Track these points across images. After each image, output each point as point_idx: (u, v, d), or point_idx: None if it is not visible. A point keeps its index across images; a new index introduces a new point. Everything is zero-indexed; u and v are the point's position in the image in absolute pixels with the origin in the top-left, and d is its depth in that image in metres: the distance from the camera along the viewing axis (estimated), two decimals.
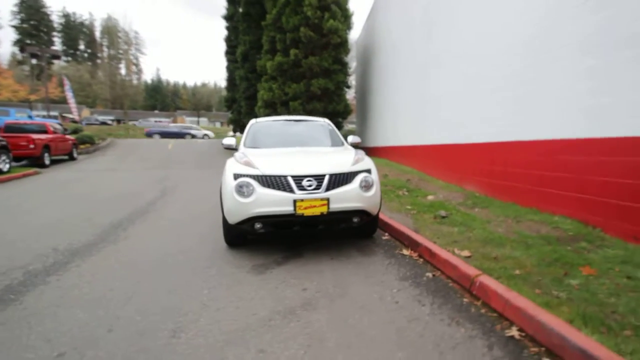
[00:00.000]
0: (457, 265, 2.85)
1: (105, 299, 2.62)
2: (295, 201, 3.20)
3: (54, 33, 56.76)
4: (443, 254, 3.14)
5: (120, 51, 53.97)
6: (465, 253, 3.22)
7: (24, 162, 11.15)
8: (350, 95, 17.45)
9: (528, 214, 4.36)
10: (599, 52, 3.75)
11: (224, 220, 3.58)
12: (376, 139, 12.76)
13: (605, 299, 2.32)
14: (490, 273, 2.72)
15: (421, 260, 3.39)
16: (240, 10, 18.36)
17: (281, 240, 3.97)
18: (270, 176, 3.31)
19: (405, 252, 3.62)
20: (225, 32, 24.04)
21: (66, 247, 3.85)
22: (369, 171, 3.63)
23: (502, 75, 5.43)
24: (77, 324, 2.28)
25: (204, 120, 59.95)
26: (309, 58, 12.40)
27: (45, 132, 12.31)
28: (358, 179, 3.47)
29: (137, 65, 57.43)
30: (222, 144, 4.66)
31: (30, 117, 19.55)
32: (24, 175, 9.51)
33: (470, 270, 2.74)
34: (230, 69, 23.58)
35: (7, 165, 9.55)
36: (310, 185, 3.27)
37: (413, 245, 3.63)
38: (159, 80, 74.82)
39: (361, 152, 3.96)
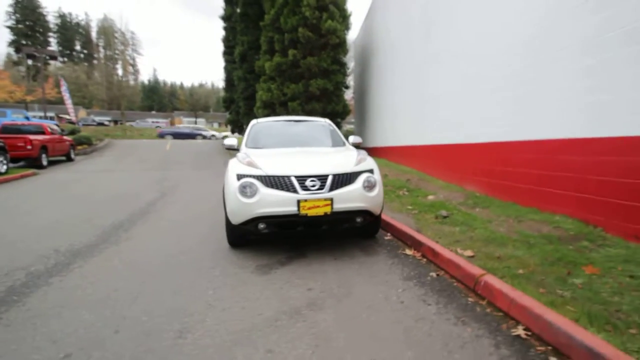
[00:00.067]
0: (461, 265, 2.86)
1: (110, 300, 2.61)
2: (299, 201, 3.20)
3: (50, 34, 56.34)
4: (446, 253, 3.15)
5: (117, 52, 53.82)
6: (468, 253, 3.24)
7: (21, 163, 11.08)
8: (348, 95, 17.47)
9: (529, 214, 4.38)
10: (598, 52, 3.77)
11: (227, 220, 3.57)
12: (375, 139, 12.78)
13: (609, 298, 2.33)
14: (494, 272, 2.73)
15: (424, 260, 3.40)
16: (238, 10, 18.35)
17: (284, 241, 3.97)
18: (273, 176, 3.31)
19: (408, 251, 3.63)
20: (223, 33, 23.99)
21: (67, 248, 3.83)
22: (371, 171, 3.64)
23: (502, 75, 5.45)
24: (83, 325, 2.27)
25: (201, 121, 59.81)
26: (307, 58, 12.40)
27: (43, 133, 12.25)
28: (361, 179, 3.48)
29: (133, 65, 57.29)
30: (224, 145, 4.67)
31: (27, 118, 19.43)
32: (22, 177, 9.45)
33: (474, 269, 2.75)
34: (228, 70, 23.55)
35: (5, 167, 9.49)
36: (313, 186, 3.27)
37: (416, 245, 3.64)
38: (156, 81, 74.67)
39: (363, 152, 3.97)
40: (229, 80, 23.70)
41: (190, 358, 1.91)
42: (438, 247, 3.31)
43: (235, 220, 3.40)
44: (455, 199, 5.59)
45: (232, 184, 3.38)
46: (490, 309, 2.40)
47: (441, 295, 2.63)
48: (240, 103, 19.26)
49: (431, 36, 7.95)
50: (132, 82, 57.67)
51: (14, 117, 18.31)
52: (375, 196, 3.50)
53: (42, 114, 23.97)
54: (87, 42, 61.30)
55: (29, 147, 10.80)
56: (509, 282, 2.57)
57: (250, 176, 3.34)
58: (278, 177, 3.30)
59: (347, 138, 4.90)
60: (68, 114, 28.78)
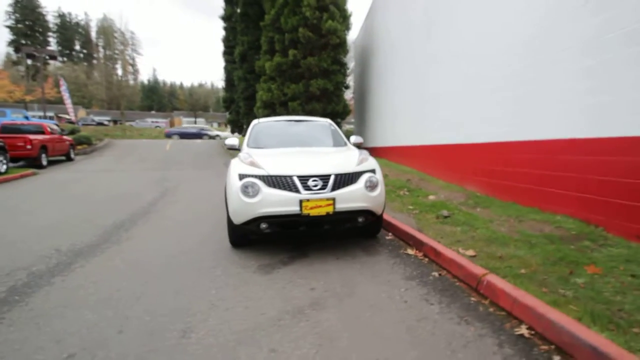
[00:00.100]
0: (464, 265, 2.87)
1: (112, 300, 2.61)
2: (301, 201, 3.20)
3: (50, 33, 56.27)
4: (448, 253, 3.15)
5: (116, 51, 53.77)
6: (470, 252, 3.24)
7: (21, 163, 11.06)
8: (348, 95, 17.48)
9: (530, 214, 4.38)
10: (599, 53, 3.78)
11: (229, 220, 3.57)
12: (375, 139, 12.78)
13: (612, 297, 2.34)
14: (496, 272, 2.73)
15: (426, 259, 3.40)
16: (238, 10, 18.37)
17: (286, 241, 3.97)
18: (276, 176, 3.31)
19: (410, 251, 3.63)
20: (223, 33, 24.01)
21: (69, 248, 3.83)
22: (373, 171, 3.64)
23: (502, 75, 5.46)
24: (86, 325, 2.26)
25: (201, 121, 59.76)
26: (307, 58, 12.41)
27: (43, 132, 12.24)
28: (363, 179, 3.48)
29: (133, 65, 57.24)
30: (225, 144, 4.67)
31: (26, 117, 19.41)
32: (22, 176, 9.44)
33: (476, 269, 2.76)
34: (228, 70, 23.56)
35: (4, 166, 9.48)
36: (316, 185, 3.28)
37: (418, 244, 3.64)
38: (156, 81, 74.63)
39: (365, 152, 3.97)
40: (229, 80, 23.71)
41: (195, 358, 1.91)
42: (440, 247, 3.31)
43: (237, 220, 3.40)
44: (456, 199, 5.60)
45: (234, 184, 3.38)
46: (493, 309, 2.41)
47: (444, 295, 2.63)
48: (240, 103, 19.27)
49: (431, 36, 7.96)
50: (131, 82, 57.63)
51: (14, 117, 18.29)
52: (377, 196, 3.50)
53: (41, 113, 23.93)
54: (86, 41, 61.23)
55: (28, 146, 10.78)
56: (511, 281, 2.58)
57: (252, 176, 3.35)
58: (280, 177, 3.30)
59: (347, 138, 4.90)
60: (67, 113, 28.76)
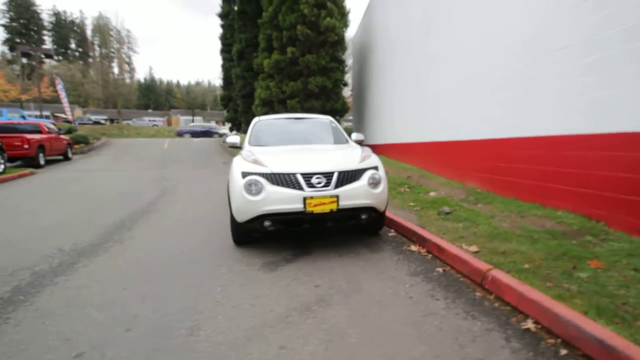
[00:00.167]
0: (468, 260, 2.88)
1: (118, 299, 2.60)
2: (305, 198, 3.20)
3: (45, 32, 55.97)
4: (452, 249, 3.17)
5: (112, 50, 53.52)
6: (473, 248, 3.26)
7: (18, 163, 11.00)
8: (346, 93, 17.47)
9: (531, 209, 4.41)
10: (599, 50, 3.80)
11: (232, 218, 3.57)
12: (374, 136, 12.78)
13: (616, 291, 2.36)
14: (500, 267, 2.75)
15: (430, 255, 3.42)
16: (236, 8, 18.29)
17: (289, 238, 3.97)
18: (279, 174, 3.31)
19: (413, 248, 3.64)
20: (220, 30, 23.90)
21: (71, 248, 3.82)
22: (376, 168, 3.65)
23: (502, 74, 5.47)
24: (93, 324, 2.26)
25: (198, 119, 59.55)
26: (306, 56, 12.38)
27: (40, 132, 12.16)
28: (366, 176, 3.49)
29: (129, 64, 57.00)
30: (227, 142, 4.66)
31: (23, 117, 19.28)
32: (20, 176, 9.38)
33: (481, 265, 2.77)
34: (226, 67, 23.48)
35: (2, 166, 9.41)
36: (319, 183, 3.28)
37: (421, 241, 3.66)
38: (152, 79, 74.22)
39: (368, 150, 3.98)
40: (226, 78, 23.64)
41: (205, 355, 1.91)
42: (443, 243, 3.33)
43: (241, 218, 3.40)
44: (457, 196, 5.62)
45: (238, 182, 3.37)
46: (499, 303, 2.42)
47: (449, 291, 2.65)
48: (238, 101, 19.22)
49: (431, 34, 7.96)
50: (128, 81, 57.40)
51: (10, 116, 18.16)
52: (380, 193, 3.51)
53: (37, 113, 23.77)
54: (82, 40, 60.81)
55: (26, 146, 10.71)
56: (515, 276, 2.59)
57: (255, 174, 3.34)
58: (284, 174, 3.31)
59: (351, 135, 4.91)
60: (64, 112, 28.61)
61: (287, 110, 12.53)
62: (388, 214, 4.42)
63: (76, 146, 16.27)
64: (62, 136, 13.66)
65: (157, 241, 4.06)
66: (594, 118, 3.87)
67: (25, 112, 23.41)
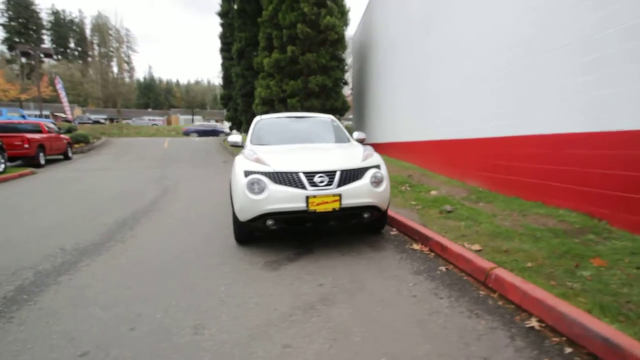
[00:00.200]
0: (471, 259, 2.88)
1: (122, 298, 2.61)
2: (307, 197, 3.20)
3: (44, 31, 55.82)
4: (455, 248, 3.17)
5: (112, 49, 53.38)
6: (476, 247, 3.26)
7: (18, 162, 10.99)
8: (346, 91, 17.45)
9: (533, 208, 4.41)
10: (599, 49, 3.80)
11: (235, 217, 3.57)
12: (374, 135, 12.78)
13: (619, 290, 2.36)
14: (502, 266, 2.75)
15: (432, 254, 3.42)
16: (235, 6, 18.23)
17: (291, 237, 3.97)
18: (281, 173, 3.31)
19: (416, 246, 3.65)
20: (219, 29, 23.84)
21: (73, 247, 3.82)
22: (378, 167, 3.65)
23: (502, 74, 5.46)
24: (97, 323, 2.26)
25: (198, 118, 59.51)
26: (306, 55, 12.35)
27: (40, 131, 12.15)
28: (368, 174, 3.49)
29: (128, 63, 56.84)
30: (228, 141, 4.66)
31: (23, 116, 19.25)
32: (20, 176, 9.38)
33: (484, 263, 2.78)
34: (226, 66, 23.43)
35: (2, 166, 9.41)
36: (322, 182, 3.28)
37: (423, 239, 3.66)
38: (152, 78, 74.10)
39: (370, 148, 3.98)
40: (226, 77, 23.59)
41: (210, 354, 1.91)
42: (446, 242, 3.33)
43: (244, 217, 3.40)
44: (458, 194, 5.62)
45: (240, 181, 3.37)
46: (502, 302, 2.43)
47: (452, 289, 2.65)
48: (238, 100, 19.19)
49: (431, 33, 7.95)
50: (127, 80, 57.24)
51: (10, 116, 18.13)
52: (382, 191, 3.52)
53: (37, 112, 23.74)
54: (81, 39, 60.68)
55: (26, 145, 10.71)
56: (518, 275, 2.60)
57: (258, 173, 3.34)
58: (286, 173, 3.30)
59: (353, 134, 4.90)
60: (64, 112, 28.57)
61: (287, 109, 12.52)
62: (390, 212, 4.42)
63: (76, 145, 16.26)
64: (62, 135, 13.65)
65: (159, 240, 4.06)
66: (594, 117, 3.87)
67: (25, 112, 23.38)
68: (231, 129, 24.35)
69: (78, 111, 45.09)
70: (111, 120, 47.82)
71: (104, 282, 2.92)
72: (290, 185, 3.27)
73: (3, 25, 48.44)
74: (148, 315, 2.34)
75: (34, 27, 52.16)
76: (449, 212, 4.57)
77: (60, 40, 59.35)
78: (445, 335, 2.04)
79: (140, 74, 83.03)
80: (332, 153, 3.95)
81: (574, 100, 4.18)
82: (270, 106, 13.10)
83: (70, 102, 31.27)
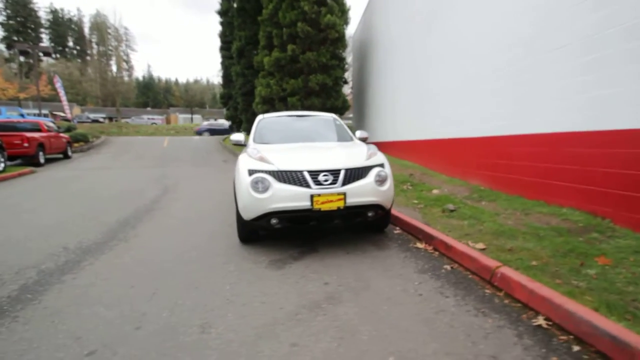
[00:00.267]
0: (476, 258, 2.88)
1: (127, 297, 2.60)
2: (312, 196, 3.20)
3: (42, 30, 55.64)
4: (459, 246, 3.17)
5: (110, 48, 53.22)
6: (480, 245, 3.26)
7: (18, 161, 10.96)
8: (346, 90, 17.44)
9: (536, 207, 4.41)
10: (599, 48, 3.80)
11: (239, 216, 3.56)
12: (375, 134, 12.77)
13: (625, 288, 2.36)
14: (507, 264, 2.75)
15: (436, 253, 3.42)
16: (235, 5, 18.19)
17: (295, 236, 3.97)
18: (286, 171, 3.30)
19: (420, 245, 3.64)
20: (219, 28, 23.81)
21: (76, 246, 3.81)
22: (382, 165, 3.64)
23: (502, 73, 5.46)
24: (103, 322, 2.26)
25: (197, 117, 59.40)
26: (306, 53, 12.34)
27: (39, 130, 12.11)
28: (372, 173, 3.48)
29: (127, 62, 56.63)
30: (231, 140, 4.65)
31: (22, 115, 19.20)
32: (20, 175, 9.35)
33: (489, 262, 2.77)
34: (226, 65, 23.40)
35: (2, 165, 9.38)
36: (326, 180, 3.27)
37: (427, 238, 3.66)
38: (151, 77, 73.93)
39: (374, 147, 3.97)
40: (226, 76, 23.56)
41: (217, 353, 1.90)
42: (450, 240, 3.33)
43: (248, 215, 3.39)
44: (460, 193, 5.62)
45: (244, 180, 3.36)
46: (509, 300, 2.43)
47: (458, 288, 2.65)
48: (238, 99, 19.17)
49: (432, 32, 7.93)
50: (126, 79, 57.08)
51: (9, 115, 18.07)
52: (386, 190, 3.51)
53: (36, 111, 23.67)
54: (79, 38, 60.52)
55: (25, 144, 10.67)
56: (523, 273, 2.60)
57: (262, 171, 3.33)
58: (291, 172, 3.30)
59: (355, 133, 4.89)
60: (63, 111, 28.51)
61: (287, 108, 12.50)
62: (393, 211, 4.41)
63: (76, 144, 16.22)
64: (61, 134, 13.62)
65: (162, 239, 4.05)
66: (594, 116, 3.88)
67: (24, 111, 23.32)
68: (231, 127, 24.31)
69: (77, 110, 45.01)
70: (110, 119, 47.69)
71: (107, 281, 2.91)
72: (295, 184, 3.26)
73: (1, 23, 48.31)
74: (153, 314, 2.34)
75: (33, 26, 52.01)
76: (452, 211, 4.57)
77: (58, 38, 59.15)
78: (452, 334, 2.03)
79: (139, 73, 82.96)
80: (336, 152, 3.95)
81: (574, 100, 4.18)
82: (271, 105, 13.09)
83: (69, 101, 31.22)
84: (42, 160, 11.35)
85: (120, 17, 65.49)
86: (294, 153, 3.75)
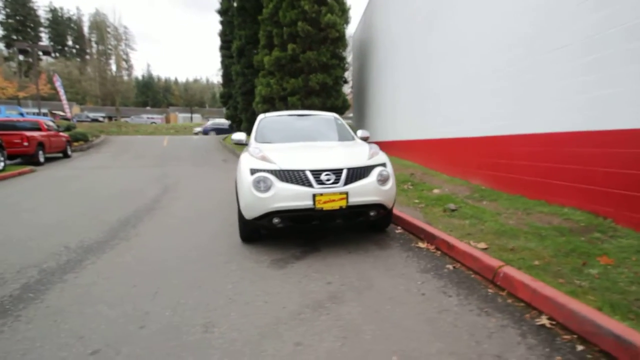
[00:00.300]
0: (478, 257, 2.88)
1: (129, 296, 2.59)
2: (314, 195, 3.19)
3: (41, 29, 55.53)
4: (462, 246, 3.17)
5: (110, 47, 53.16)
6: (482, 245, 3.26)
7: (17, 160, 10.94)
8: (346, 90, 17.44)
9: (537, 206, 4.41)
10: (600, 49, 3.80)
11: (240, 215, 3.56)
12: (375, 133, 12.76)
13: (627, 288, 2.37)
14: (510, 264, 2.76)
15: (439, 252, 3.42)
16: (235, 4, 18.18)
17: (297, 235, 3.97)
18: (288, 171, 3.30)
19: (421, 244, 3.64)
20: (219, 27, 23.78)
21: (78, 245, 3.80)
22: (384, 165, 3.64)
23: (503, 74, 5.46)
24: (106, 321, 2.25)
25: (197, 116, 59.36)
26: (306, 53, 12.34)
27: (39, 129, 12.08)
28: (375, 172, 3.48)
29: (127, 61, 56.60)
30: (232, 139, 4.65)
31: (21, 114, 19.17)
32: (20, 174, 9.33)
33: (492, 261, 2.77)
34: (226, 64, 23.38)
35: (2, 164, 9.36)
36: (328, 180, 3.27)
37: (429, 238, 3.66)
38: (150, 76, 73.83)
39: (375, 147, 3.97)
40: (226, 76, 23.54)
41: (221, 352, 1.90)
42: (453, 240, 3.33)
43: (250, 215, 3.38)
44: (461, 193, 5.62)
45: (246, 179, 3.36)
46: (512, 300, 2.43)
47: (461, 287, 2.65)
48: (238, 98, 19.16)
49: (432, 32, 7.93)
50: (125, 78, 57.05)
51: (8, 114, 18.04)
52: (388, 190, 3.51)
53: (35, 110, 23.63)
54: (79, 37, 60.42)
55: (25, 143, 10.65)
56: (526, 273, 2.60)
57: (264, 170, 3.33)
58: (293, 171, 3.29)
59: (357, 132, 4.89)
60: (62, 110, 28.47)
61: (287, 107, 12.50)
62: (394, 211, 4.41)
63: (75, 144, 16.18)
64: (61, 133, 13.59)
65: (163, 238, 4.04)
66: (595, 116, 3.88)
67: (23, 109, 23.28)
68: (231, 127, 24.30)
69: (76, 109, 44.95)
70: (109, 118, 47.62)
71: (109, 280, 2.91)
72: (297, 183, 3.26)
73: (1, 22, 48.19)
74: (156, 313, 2.33)
75: (32, 25, 51.91)
76: (453, 210, 4.57)
77: (58, 37, 59.05)
78: (456, 333, 2.03)
79: (138, 72, 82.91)
80: (338, 151, 3.95)
81: (574, 100, 4.18)
82: (271, 104, 13.08)
83: (68, 100, 31.18)
84: (41, 160, 11.32)
85: (119, 16, 65.20)
86: (296, 152, 3.74)
